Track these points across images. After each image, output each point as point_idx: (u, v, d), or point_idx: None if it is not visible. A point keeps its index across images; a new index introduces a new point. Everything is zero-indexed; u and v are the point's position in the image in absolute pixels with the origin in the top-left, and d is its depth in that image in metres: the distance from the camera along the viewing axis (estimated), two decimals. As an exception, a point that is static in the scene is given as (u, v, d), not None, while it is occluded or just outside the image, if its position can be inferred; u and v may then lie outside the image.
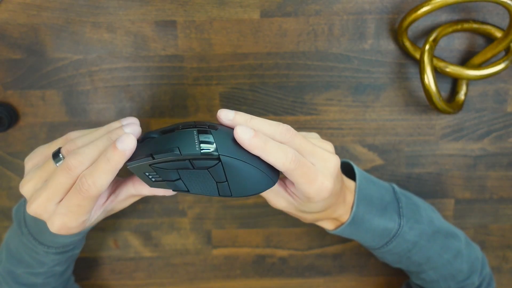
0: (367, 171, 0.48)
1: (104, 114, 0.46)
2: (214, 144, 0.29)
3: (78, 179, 0.29)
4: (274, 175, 0.31)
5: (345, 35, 0.44)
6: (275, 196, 0.35)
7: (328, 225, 0.39)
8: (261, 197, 0.49)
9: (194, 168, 0.29)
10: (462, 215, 0.49)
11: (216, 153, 0.28)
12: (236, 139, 0.29)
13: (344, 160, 0.42)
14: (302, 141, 0.32)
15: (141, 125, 0.46)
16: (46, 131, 0.46)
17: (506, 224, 0.49)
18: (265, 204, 0.49)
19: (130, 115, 0.46)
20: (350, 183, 0.39)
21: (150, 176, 0.31)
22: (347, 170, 0.43)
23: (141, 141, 0.31)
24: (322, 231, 0.50)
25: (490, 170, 0.47)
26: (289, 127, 0.31)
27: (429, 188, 0.48)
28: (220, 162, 0.28)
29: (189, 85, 0.45)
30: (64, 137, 0.33)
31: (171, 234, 0.50)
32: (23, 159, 0.47)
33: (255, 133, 0.29)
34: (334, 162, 0.33)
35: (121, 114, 0.46)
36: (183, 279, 0.52)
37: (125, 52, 0.44)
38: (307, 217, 0.36)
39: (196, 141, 0.29)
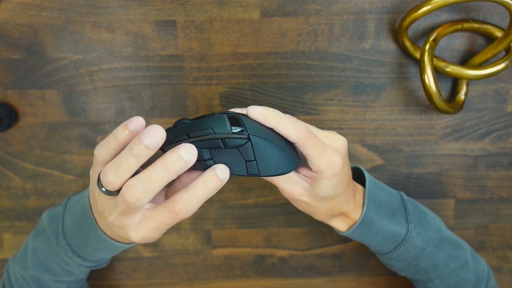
0: (368, 171, 0.48)
1: (104, 114, 0.46)
2: (244, 125, 0.31)
3: (171, 202, 0.30)
4: (296, 158, 0.34)
5: (345, 35, 0.44)
6: (289, 183, 0.35)
7: (341, 225, 0.39)
8: (261, 196, 0.49)
9: (225, 147, 0.31)
10: (462, 215, 0.49)
11: (246, 133, 0.31)
12: (250, 116, 0.32)
13: (353, 166, 0.43)
14: (316, 132, 0.35)
15: (141, 125, 0.46)
16: (45, 131, 0.46)
17: (506, 224, 0.49)
18: (265, 204, 0.49)
19: (130, 115, 0.46)
20: (359, 185, 0.40)
21: None
22: (356, 176, 0.44)
23: (174, 126, 0.33)
24: (322, 231, 0.50)
25: (491, 170, 0.47)
26: (306, 127, 0.33)
27: (429, 188, 0.48)
28: (249, 141, 0.31)
29: (189, 85, 0.45)
30: (95, 155, 0.32)
31: (171, 234, 0.50)
32: (22, 159, 0.47)
33: (265, 107, 0.32)
34: (342, 141, 0.35)
35: (121, 114, 0.46)
36: (183, 279, 0.52)
37: (125, 52, 0.44)
38: (320, 207, 0.37)
39: (228, 123, 0.31)
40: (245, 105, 0.46)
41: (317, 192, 0.35)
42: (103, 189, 0.30)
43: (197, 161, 0.32)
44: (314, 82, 0.45)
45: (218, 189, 0.31)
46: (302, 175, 0.36)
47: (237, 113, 0.33)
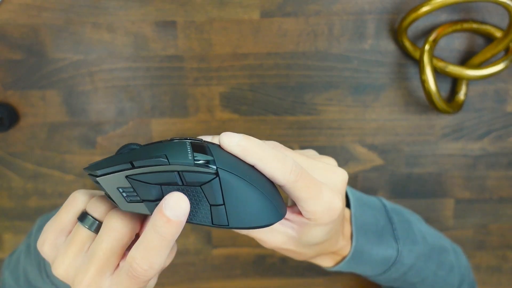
0: (367, 171, 0.48)
1: (104, 114, 0.46)
2: (211, 156, 0.23)
3: (127, 263, 0.24)
4: (282, 206, 0.26)
5: (345, 35, 0.44)
6: (269, 234, 0.29)
7: (327, 262, 0.34)
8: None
9: (183, 184, 0.23)
10: (462, 215, 0.49)
11: (213, 166, 0.23)
12: (223, 147, 0.25)
13: None
14: (309, 165, 0.29)
15: (142, 126, 0.46)
16: (46, 131, 0.46)
17: (506, 224, 0.49)
18: (265, 204, 0.49)
19: (130, 115, 0.46)
20: (346, 212, 0.35)
21: (124, 194, 0.25)
22: None
23: (118, 152, 0.26)
24: (322, 231, 0.50)
25: (490, 170, 0.47)
26: (297, 166, 0.26)
27: (429, 188, 0.48)
28: (217, 177, 0.23)
29: (189, 85, 0.45)
30: (71, 199, 0.28)
31: (171, 234, 0.50)
32: (23, 159, 0.47)
33: (244, 136, 0.25)
34: (341, 176, 0.29)
35: (121, 114, 0.46)
36: (183, 279, 0.52)
37: (125, 53, 0.44)
38: (306, 253, 0.31)
39: (189, 151, 0.23)
40: (245, 105, 0.46)
41: (306, 240, 0.29)
42: (90, 218, 0.26)
43: (143, 201, 0.24)
44: (314, 82, 0.45)
45: (177, 233, 0.23)
46: (287, 220, 0.29)
47: (205, 141, 0.25)
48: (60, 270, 0.26)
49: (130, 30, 0.43)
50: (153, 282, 0.29)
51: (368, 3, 0.43)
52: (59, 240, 0.27)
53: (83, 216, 0.26)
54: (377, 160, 0.47)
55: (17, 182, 0.48)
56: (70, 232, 0.27)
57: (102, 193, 0.29)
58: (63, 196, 0.48)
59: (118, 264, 0.26)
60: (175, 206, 0.23)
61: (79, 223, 0.26)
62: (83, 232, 0.26)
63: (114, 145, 0.47)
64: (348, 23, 0.43)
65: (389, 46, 0.44)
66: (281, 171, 0.25)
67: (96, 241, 0.25)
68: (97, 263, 0.25)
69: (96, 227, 0.26)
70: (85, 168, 0.26)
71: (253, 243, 0.50)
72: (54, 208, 0.49)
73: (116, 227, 0.25)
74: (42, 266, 0.33)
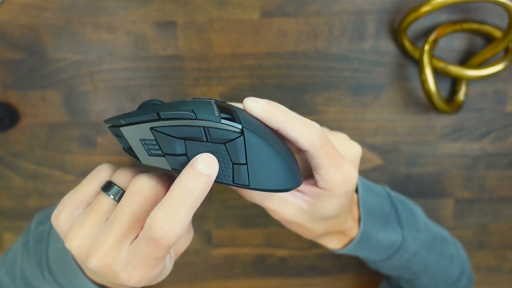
0: (367, 171, 0.48)
1: (104, 115, 0.46)
2: (238, 116, 0.24)
3: (146, 225, 0.22)
4: (299, 173, 0.26)
5: (344, 35, 0.44)
6: (281, 204, 0.29)
7: (334, 243, 0.35)
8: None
9: (207, 140, 0.23)
10: (462, 215, 0.49)
11: (239, 125, 0.23)
12: (247, 110, 0.25)
13: None
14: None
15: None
16: (46, 131, 0.46)
17: (505, 224, 0.49)
18: (265, 204, 0.49)
19: (131, 115, 0.46)
20: (354, 194, 0.36)
21: (147, 147, 0.25)
22: None
23: (140, 107, 0.26)
24: (322, 231, 0.50)
25: (490, 170, 0.47)
26: (322, 131, 0.27)
27: (428, 188, 0.48)
28: (242, 136, 0.23)
29: (189, 85, 0.45)
30: (95, 171, 0.27)
31: (171, 234, 0.50)
32: (23, 159, 0.47)
33: (269, 101, 0.25)
34: (356, 149, 0.30)
35: (121, 114, 0.46)
36: (183, 279, 0.52)
37: (126, 53, 0.44)
38: (316, 229, 0.31)
39: (216, 109, 0.24)
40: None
41: (318, 213, 0.29)
42: (115, 187, 0.26)
43: (165, 155, 0.24)
44: (314, 82, 0.45)
45: (206, 193, 0.23)
46: (300, 192, 0.29)
47: (229, 103, 0.26)
48: (74, 242, 0.24)
49: (130, 30, 0.43)
50: (170, 264, 0.27)
51: (368, 3, 0.43)
52: (76, 212, 0.26)
53: (108, 185, 0.26)
54: (377, 160, 0.47)
55: (17, 182, 0.48)
56: (89, 204, 0.26)
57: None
58: (63, 196, 0.48)
59: (137, 235, 0.25)
60: (208, 163, 0.23)
61: (102, 193, 0.26)
62: (105, 201, 0.25)
63: (114, 145, 0.47)
64: (348, 23, 0.43)
65: (389, 46, 0.44)
66: (306, 135, 0.25)
67: (119, 206, 0.24)
68: (118, 229, 0.24)
69: (120, 196, 0.26)
70: (106, 120, 0.25)
71: (253, 243, 0.50)
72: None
73: (142, 188, 0.24)
74: (44, 261, 0.31)
